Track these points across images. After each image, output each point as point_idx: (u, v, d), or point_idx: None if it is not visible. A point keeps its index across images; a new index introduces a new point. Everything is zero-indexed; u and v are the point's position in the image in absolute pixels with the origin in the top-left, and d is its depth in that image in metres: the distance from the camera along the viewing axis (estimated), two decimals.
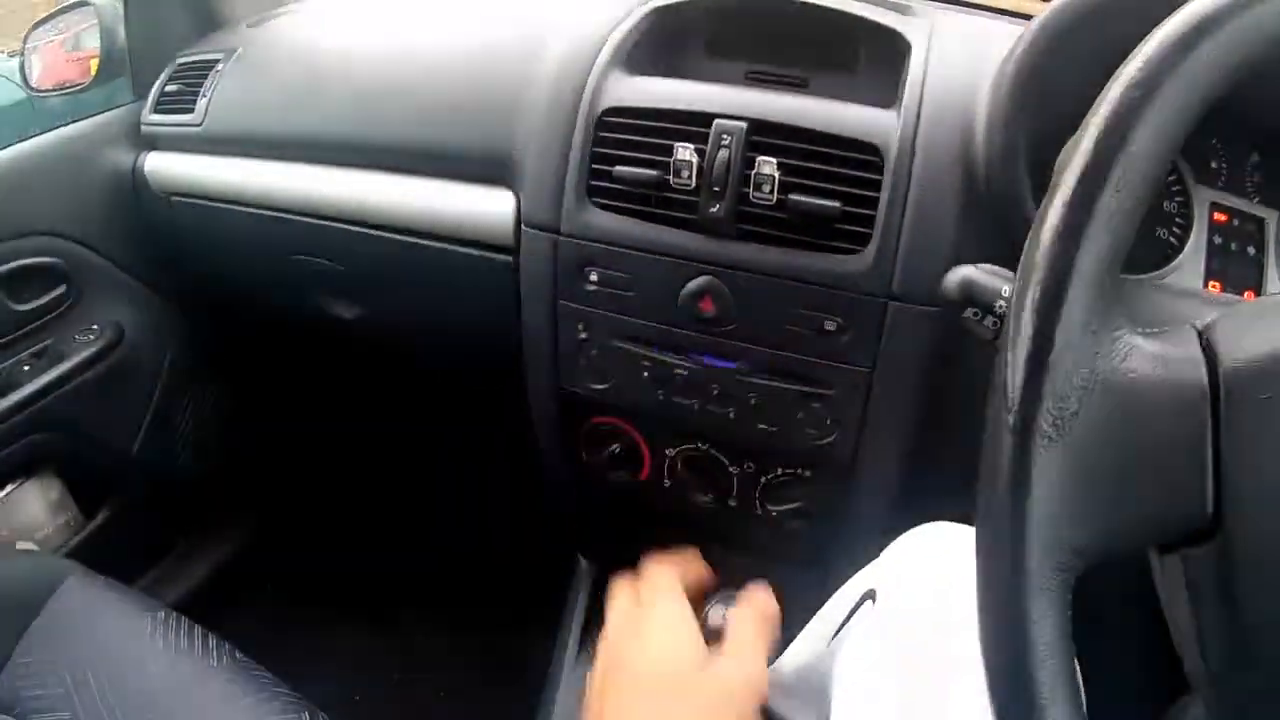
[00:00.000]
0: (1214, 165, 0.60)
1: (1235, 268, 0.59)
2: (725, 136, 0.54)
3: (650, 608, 0.47)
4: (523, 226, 0.62)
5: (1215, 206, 0.60)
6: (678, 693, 0.43)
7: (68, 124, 0.85)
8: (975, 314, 0.46)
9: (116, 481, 0.91)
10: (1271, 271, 0.59)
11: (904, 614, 0.47)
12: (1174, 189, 0.60)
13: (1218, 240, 0.59)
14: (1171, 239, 0.60)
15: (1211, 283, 0.59)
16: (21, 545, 0.86)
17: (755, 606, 0.47)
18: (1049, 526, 0.25)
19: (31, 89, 0.91)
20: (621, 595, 0.49)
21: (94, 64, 0.89)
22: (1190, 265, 0.59)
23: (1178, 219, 0.60)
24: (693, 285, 0.56)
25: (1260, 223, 0.60)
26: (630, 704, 0.43)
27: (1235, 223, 0.60)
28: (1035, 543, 0.25)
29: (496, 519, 1.05)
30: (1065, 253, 0.25)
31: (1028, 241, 0.26)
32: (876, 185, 0.53)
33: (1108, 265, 0.25)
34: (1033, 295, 0.25)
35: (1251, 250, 0.60)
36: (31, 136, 0.83)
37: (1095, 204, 0.25)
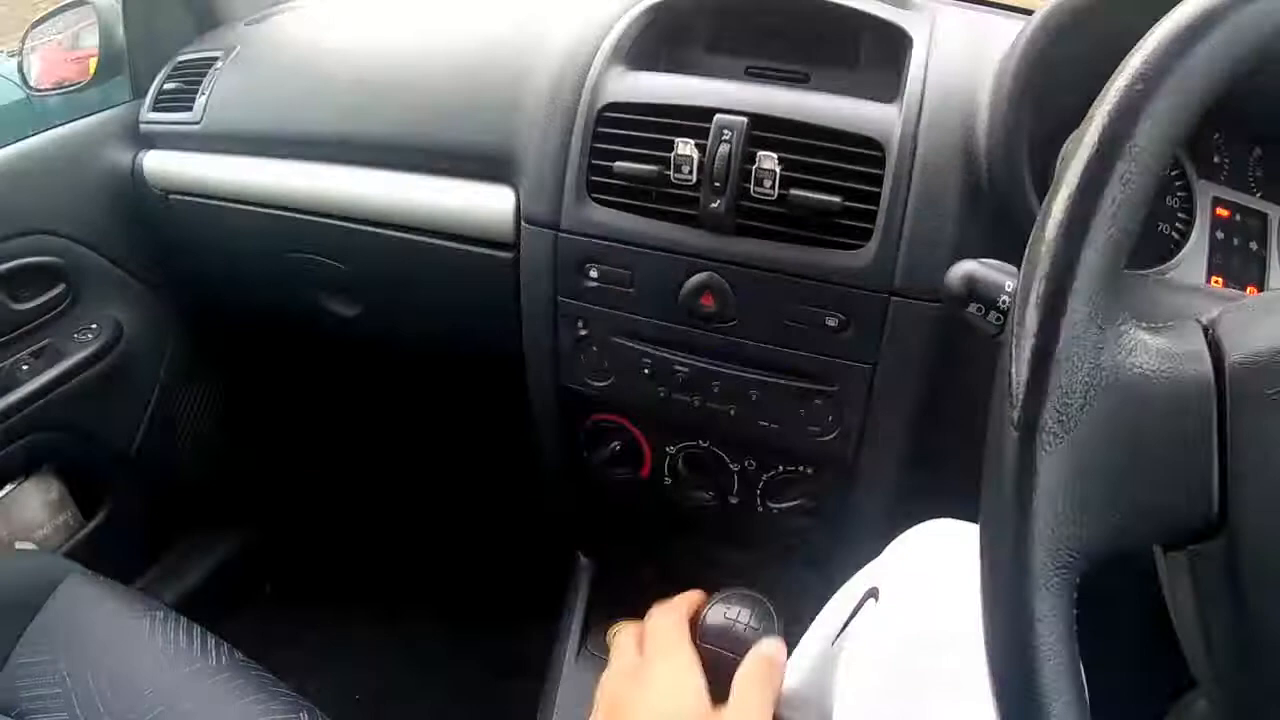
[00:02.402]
0: (1216, 160, 0.60)
1: (1237, 263, 0.59)
2: (726, 131, 0.53)
3: (656, 658, 0.47)
4: (522, 223, 0.62)
5: (1218, 201, 0.59)
6: None
7: (66, 123, 0.85)
8: (979, 309, 0.46)
9: (115, 481, 0.91)
10: (1274, 266, 0.59)
11: (907, 613, 0.47)
12: (1176, 184, 0.60)
13: (1220, 235, 0.59)
14: (1174, 234, 0.59)
15: (1214, 278, 0.59)
16: (20, 545, 0.85)
17: (761, 660, 0.46)
18: (1054, 525, 0.24)
19: (30, 88, 0.91)
20: (625, 641, 0.49)
21: (93, 63, 0.89)
22: (1193, 260, 0.59)
23: (1180, 214, 0.59)
24: (693, 281, 0.56)
25: (1263, 218, 0.60)
26: None
27: (1238, 218, 0.59)
28: (1040, 541, 0.24)
29: (497, 516, 1.04)
30: (1070, 246, 0.25)
31: (1032, 235, 0.26)
32: (878, 180, 0.53)
33: (1113, 259, 0.25)
34: (1038, 289, 0.25)
35: (1254, 245, 0.59)
36: (30, 136, 0.83)
37: (1100, 197, 0.25)
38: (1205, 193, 0.59)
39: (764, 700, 0.45)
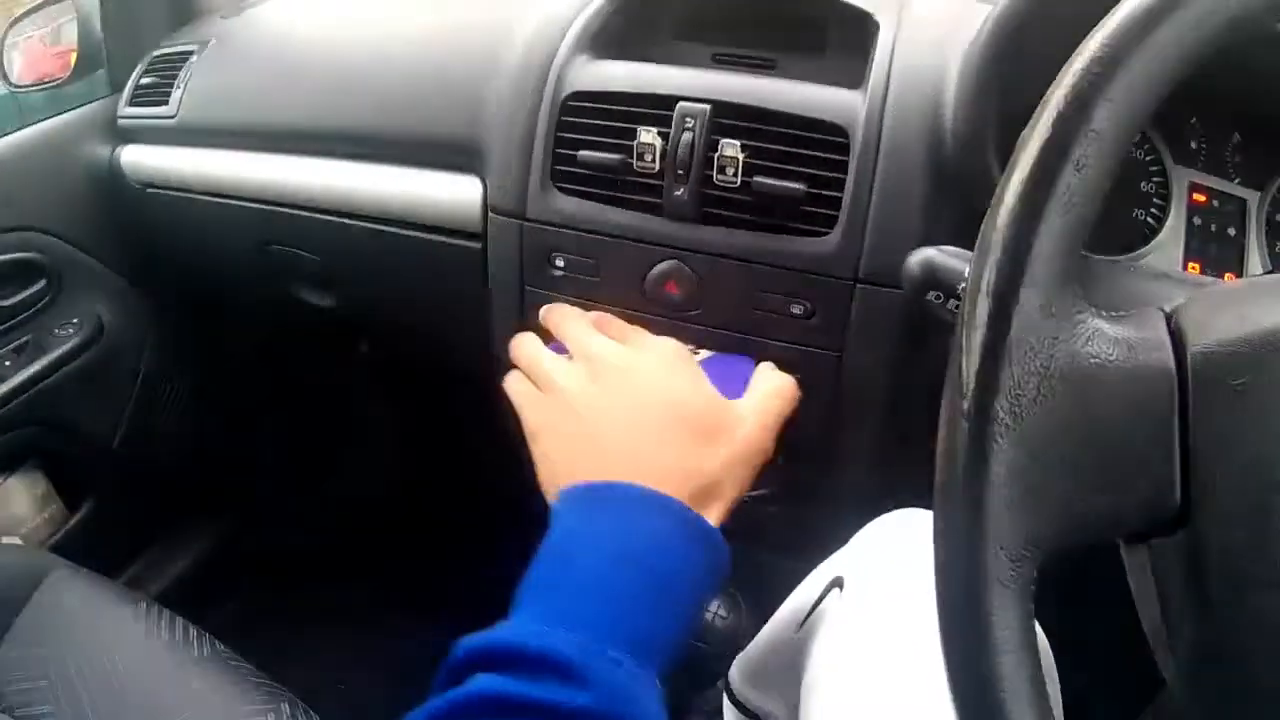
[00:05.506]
0: (1193, 145, 0.59)
1: (1215, 249, 0.58)
2: (689, 119, 0.53)
3: (643, 346, 0.46)
4: (489, 213, 0.62)
5: (1194, 187, 0.59)
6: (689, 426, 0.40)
7: (46, 119, 0.85)
8: (938, 297, 0.45)
9: (99, 475, 0.91)
10: (1253, 253, 0.58)
11: (871, 601, 0.47)
12: (1152, 169, 0.59)
13: (1197, 221, 0.58)
14: (1149, 220, 0.59)
15: (1190, 264, 0.58)
16: (6, 540, 0.86)
17: (778, 376, 0.48)
18: (1006, 517, 0.24)
19: (12, 85, 0.91)
20: (581, 330, 0.48)
21: (73, 58, 0.89)
22: (1168, 247, 0.58)
23: (1155, 199, 0.59)
24: (658, 270, 0.56)
25: (1242, 204, 0.59)
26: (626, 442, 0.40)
27: (1215, 204, 0.59)
28: (992, 534, 0.24)
29: (480, 507, 1.04)
30: (1023, 233, 0.24)
31: (985, 221, 0.25)
32: (843, 166, 0.52)
33: (1068, 246, 0.24)
34: (988, 277, 0.24)
35: (1232, 231, 0.59)
36: (11, 132, 0.83)
37: (1055, 182, 0.24)
38: (1181, 178, 0.59)
39: (780, 411, 0.45)
